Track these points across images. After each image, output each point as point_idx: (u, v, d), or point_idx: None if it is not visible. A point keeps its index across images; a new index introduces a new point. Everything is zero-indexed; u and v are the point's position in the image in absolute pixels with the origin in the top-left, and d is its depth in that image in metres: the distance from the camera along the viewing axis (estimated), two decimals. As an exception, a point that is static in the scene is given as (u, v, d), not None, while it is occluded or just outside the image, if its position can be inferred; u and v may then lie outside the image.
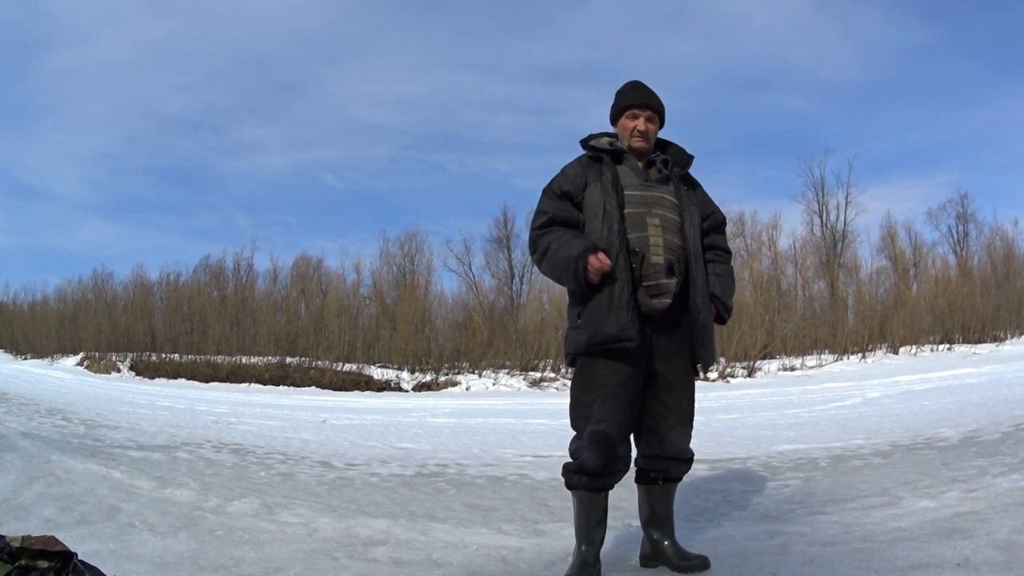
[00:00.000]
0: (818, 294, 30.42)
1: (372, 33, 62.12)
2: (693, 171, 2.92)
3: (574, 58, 57.63)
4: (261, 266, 40.97)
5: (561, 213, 2.67)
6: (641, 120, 2.75)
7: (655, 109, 2.78)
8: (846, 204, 32.03)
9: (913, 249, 31.67)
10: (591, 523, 2.60)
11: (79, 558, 2.07)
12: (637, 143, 2.75)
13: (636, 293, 2.54)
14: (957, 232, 32.72)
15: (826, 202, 32.57)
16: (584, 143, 2.82)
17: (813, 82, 52.57)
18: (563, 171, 2.76)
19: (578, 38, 56.88)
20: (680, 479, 2.79)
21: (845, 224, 32.04)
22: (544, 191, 2.75)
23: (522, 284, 35.27)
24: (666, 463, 2.70)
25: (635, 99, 2.78)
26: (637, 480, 2.77)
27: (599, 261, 2.48)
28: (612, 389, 2.54)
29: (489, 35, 60.28)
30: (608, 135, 2.85)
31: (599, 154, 2.74)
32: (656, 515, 2.75)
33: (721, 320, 2.80)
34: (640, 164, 2.75)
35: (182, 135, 57.12)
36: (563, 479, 2.64)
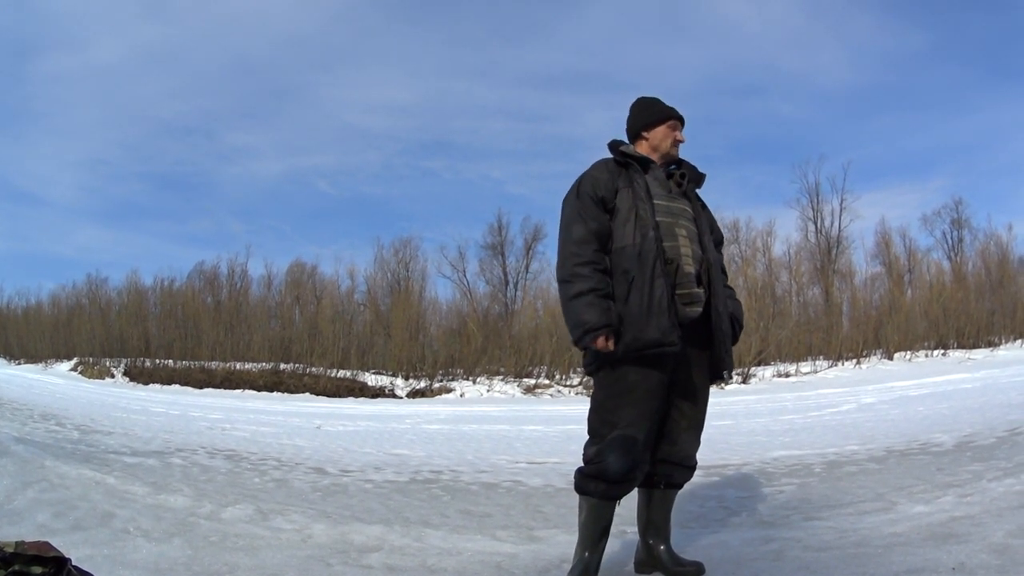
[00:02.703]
0: (813, 300, 30.57)
1: (365, 39, 62.32)
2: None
3: (567, 64, 57.88)
4: (255, 272, 41.06)
5: (595, 223, 2.60)
6: (680, 132, 2.84)
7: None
8: (840, 210, 32.18)
9: (908, 255, 31.81)
10: (598, 530, 2.59)
11: (73, 564, 2.06)
12: (676, 152, 2.83)
13: (674, 299, 2.55)
14: (951, 238, 32.88)
15: (821, 208, 32.72)
16: (614, 147, 2.82)
17: (806, 88, 52.95)
18: (591, 175, 2.70)
19: (571, 45, 57.18)
20: (681, 486, 2.79)
21: (840, 230, 32.19)
22: (578, 195, 2.66)
23: (516, 291, 35.36)
24: (671, 468, 2.70)
25: (676, 113, 2.85)
26: (639, 483, 2.74)
27: (605, 345, 2.48)
28: (641, 395, 2.52)
29: (482, 41, 60.53)
30: (620, 143, 2.85)
31: (628, 160, 2.73)
32: (653, 520, 2.75)
33: (735, 338, 2.84)
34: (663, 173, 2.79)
35: (175, 140, 57.23)
36: (575, 482, 2.61)
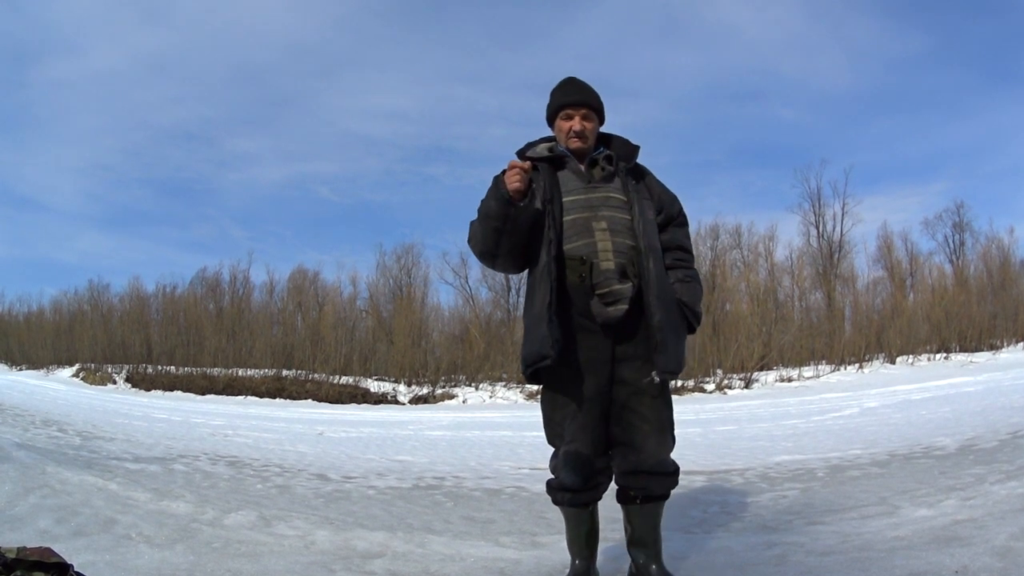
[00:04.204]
0: (815, 305, 30.51)
1: (365, 46, 62.50)
2: (652, 164, 2.75)
3: (567, 70, 55.73)
4: (257, 278, 41.09)
5: None
6: (576, 120, 2.59)
7: (591, 106, 2.62)
8: (843, 215, 32.11)
9: (909, 259, 31.76)
10: (581, 537, 2.57)
11: (75, 570, 2.06)
12: (574, 144, 2.59)
13: (573, 304, 2.44)
14: (953, 241, 32.82)
15: (822, 213, 32.64)
16: (520, 154, 2.66)
17: (806, 92, 52.89)
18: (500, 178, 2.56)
19: (571, 50, 57.00)
20: (664, 495, 2.55)
21: (842, 235, 32.09)
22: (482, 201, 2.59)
23: (519, 297, 35.27)
24: (645, 479, 2.48)
25: (568, 98, 2.62)
26: (617, 499, 2.58)
27: (513, 164, 2.39)
28: (579, 406, 2.44)
29: (481, 48, 60.75)
30: (547, 140, 2.69)
31: (535, 163, 2.57)
32: (637, 536, 2.55)
33: (691, 328, 2.61)
34: (582, 166, 2.60)
35: (176, 147, 57.36)
36: (549, 496, 2.60)
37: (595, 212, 2.50)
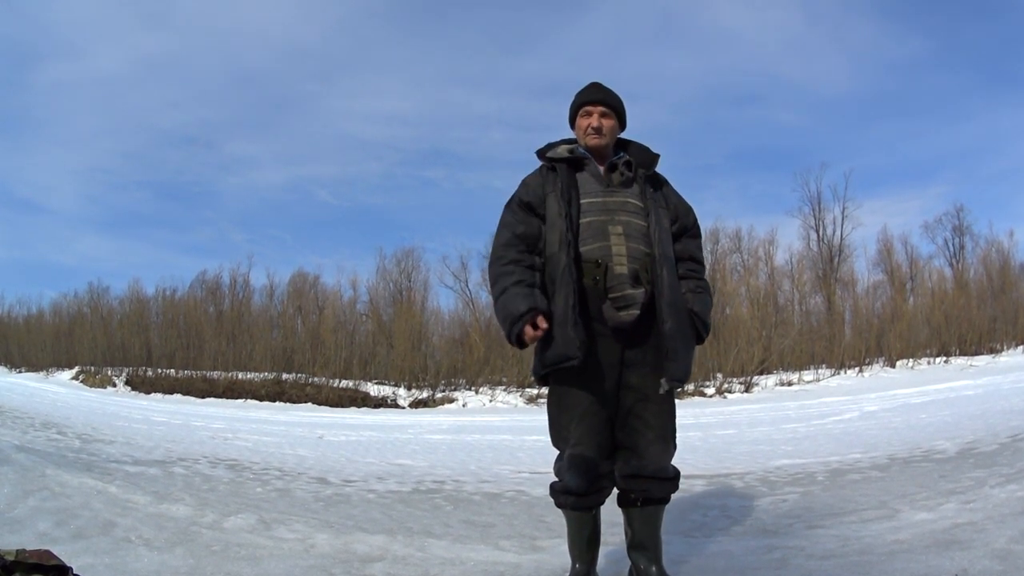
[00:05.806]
0: (815, 309, 30.47)
1: (364, 49, 62.45)
2: (666, 171, 2.76)
3: (566, 73, 57.54)
4: (257, 282, 41.06)
5: (522, 226, 2.56)
6: (595, 116, 2.63)
7: (610, 105, 2.66)
8: (842, 218, 32.10)
9: (909, 262, 31.72)
10: (583, 540, 2.57)
11: (74, 572, 2.06)
12: (593, 140, 2.63)
13: (588, 306, 2.44)
14: (953, 245, 32.78)
15: (822, 216, 32.64)
16: (540, 154, 2.70)
17: (806, 96, 52.82)
18: (524, 182, 2.66)
19: (570, 53, 56.95)
20: (664, 499, 2.58)
21: (842, 238, 32.08)
22: (506, 205, 2.65)
23: (519, 300, 35.19)
24: (646, 483, 2.51)
25: (588, 96, 2.67)
26: (618, 502, 2.61)
27: (533, 330, 2.41)
28: (587, 409, 2.45)
29: (480, 51, 60.73)
30: (567, 142, 2.72)
31: (555, 164, 2.62)
32: (638, 539, 2.57)
33: (699, 339, 2.64)
34: (601, 169, 2.62)
35: (176, 150, 57.28)
36: (551, 499, 2.60)
37: (612, 216, 2.53)
